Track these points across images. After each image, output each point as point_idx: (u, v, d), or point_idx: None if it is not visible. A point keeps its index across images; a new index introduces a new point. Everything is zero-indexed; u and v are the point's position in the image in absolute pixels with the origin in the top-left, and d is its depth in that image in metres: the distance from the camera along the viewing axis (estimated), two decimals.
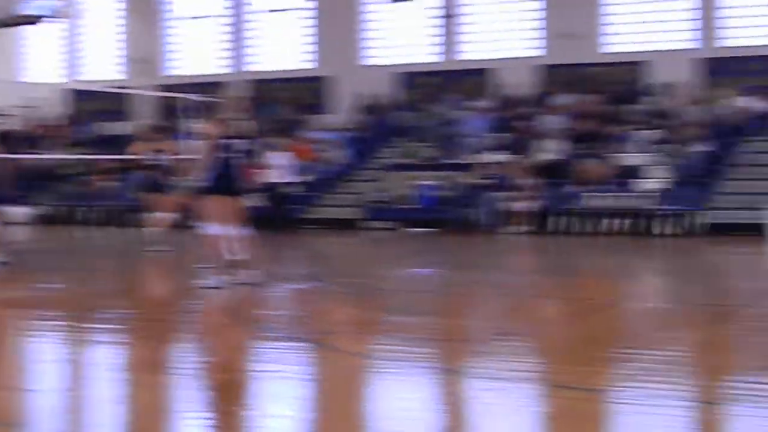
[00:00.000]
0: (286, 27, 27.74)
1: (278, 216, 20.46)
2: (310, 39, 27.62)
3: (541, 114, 24.10)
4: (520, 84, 25.38)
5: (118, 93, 27.75)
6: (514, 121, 24.42)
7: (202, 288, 10.40)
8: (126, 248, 17.81)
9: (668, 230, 20.13)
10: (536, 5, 26.00)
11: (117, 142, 26.47)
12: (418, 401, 5.61)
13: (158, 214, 15.68)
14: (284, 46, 27.80)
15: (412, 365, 6.62)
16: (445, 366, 6.58)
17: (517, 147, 23.06)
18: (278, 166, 21.06)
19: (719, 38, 24.13)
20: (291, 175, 21.75)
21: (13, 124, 27.01)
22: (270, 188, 20.44)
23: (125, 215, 23.09)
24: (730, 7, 24.14)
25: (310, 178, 23.32)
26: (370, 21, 27.67)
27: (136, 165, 16.06)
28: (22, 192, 14.17)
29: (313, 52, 27.64)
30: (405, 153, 24.31)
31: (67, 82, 29.50)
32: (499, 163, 22.16)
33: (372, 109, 26.84)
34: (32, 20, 26.54)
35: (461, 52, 26.80)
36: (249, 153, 10.81)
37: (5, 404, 5.77)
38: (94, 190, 25.10)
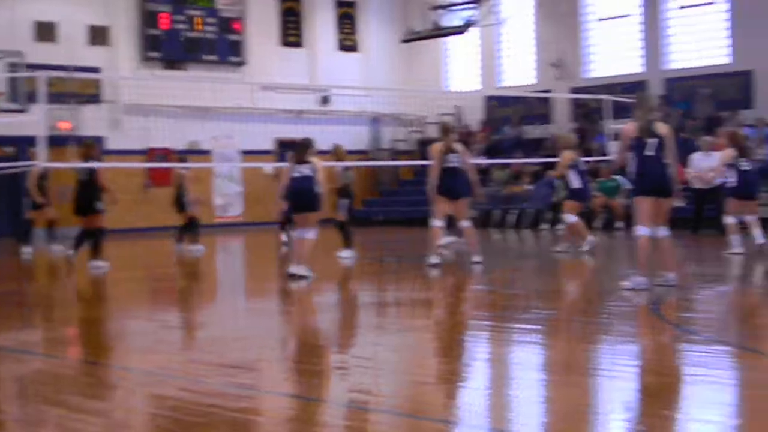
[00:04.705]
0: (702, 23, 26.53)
1: (698, 217, 19.82)
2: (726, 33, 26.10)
3: None
4: None
5: (535, 98, 28.20)
6: None
7: (626, 290, 10.32)
8: (540, 250, 18.08)
9: None
10: None
11: (536, 147, 26.93)
12: None
13: (569, 217, 15.70)
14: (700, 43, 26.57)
15: None
16: None
17: None
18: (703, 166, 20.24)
19: None
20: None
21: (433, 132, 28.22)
22: (694, 189, 19.78)
23: (540, 218, 23.53)
24: None
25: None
26: None
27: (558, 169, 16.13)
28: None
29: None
30: None
31: (484, 89, 30.29)
32: None
33: None
34: (459, 30, 27.46)
35: None
36: (663, 151, 10.44)
37: (435, 399, 6.05)
38: (510, 194, 25.70)
